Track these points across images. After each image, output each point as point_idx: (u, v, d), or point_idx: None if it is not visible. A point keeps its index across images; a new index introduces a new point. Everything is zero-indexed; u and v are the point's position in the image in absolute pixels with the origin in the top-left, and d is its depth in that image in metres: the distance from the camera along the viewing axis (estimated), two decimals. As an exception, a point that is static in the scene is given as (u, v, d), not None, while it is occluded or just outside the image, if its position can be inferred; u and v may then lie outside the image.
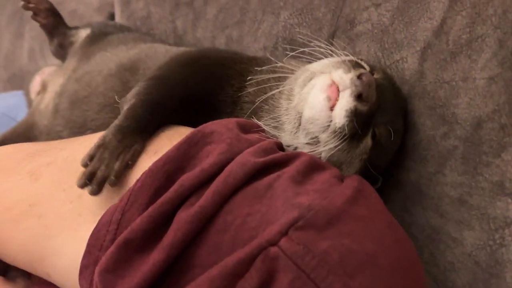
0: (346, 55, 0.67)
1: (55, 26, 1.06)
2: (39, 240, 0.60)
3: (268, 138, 0.62)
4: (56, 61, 1.17)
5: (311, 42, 0.73)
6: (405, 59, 0.72)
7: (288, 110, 0.66)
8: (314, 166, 0.56)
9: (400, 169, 0.72)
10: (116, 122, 0.63)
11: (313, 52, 0.71)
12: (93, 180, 0.58)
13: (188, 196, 0.52)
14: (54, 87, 0.95)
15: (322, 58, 0.69)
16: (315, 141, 0.63)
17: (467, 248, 0.63)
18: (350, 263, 0.45)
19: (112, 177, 0.58)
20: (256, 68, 0.72)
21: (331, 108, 0.61)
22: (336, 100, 0.61)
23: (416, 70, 0.70)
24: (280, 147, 0.62)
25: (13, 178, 0.65)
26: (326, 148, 0.62)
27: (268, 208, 0.49)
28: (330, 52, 0.68)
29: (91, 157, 0.59)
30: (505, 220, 0.59)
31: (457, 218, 0.64)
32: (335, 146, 0.61)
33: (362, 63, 0.67)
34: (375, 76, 0.65)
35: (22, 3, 1.01)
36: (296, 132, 0.64)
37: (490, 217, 0.61)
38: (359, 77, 0.61)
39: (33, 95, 1.15)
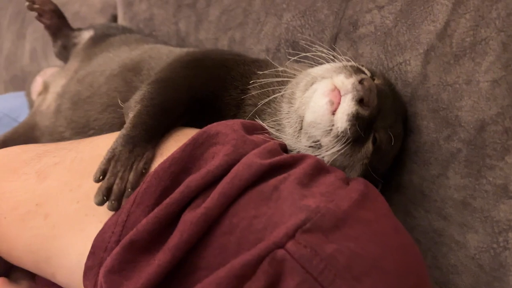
0: (348, 61, 0.68)
1: (59, 28, 1.06)
2: (45, 239, 0.60)
3: (272, 139, 0.62)
4: (58, 62, 1.17)
5: (313, 46, 0.73)
6: (408, 62, 0.72)
7: (289, 113, 0.66)
8: (320, 169, 0.56)
9: (403, 172, 0.72)
10: (124, 131, 0.62)
11: (315, 57, 0.71)
12: (110, 196, 0.57)
13: (194, 198, 0.52)
14: (56, 88, 0.95)
15: (324, 63, 0.69)
16: (317, 145, 0.63)
17: (471, 251, 0.63)
18: (356, 267, 0.46)
19: (129, 189, 0.57)
20: (259, 71, 0.73)
21: (333, 113, 0.62)
22: (338, 104, 0.62)
23: (419, 72, 0.71)
24: (284, 148, 0.62)
25: (21, 178, 0.65)
26: (329, 153, 0.62)
27: (274, 211, 0.49)
28: (332, 58, 0.69)
29: (103, 172, 0.58)
30: (508, 223, 0.59)
31: (460, 221, 0.64)
32: (338, 150, 0.61)
33: (363, 68, 0.67)
34: (376, 81, 0.66)
35: (27, 3, 1.01)
36: (298, 135, 0.65)
37: (493, 220, 0.61)
38: (360, 82, 0.62)
39: (34, 96, 1.15)
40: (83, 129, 0.83)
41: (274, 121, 0.67)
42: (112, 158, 0.60)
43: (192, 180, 0.53)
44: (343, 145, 0.61)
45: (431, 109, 0.68)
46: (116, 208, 0.56)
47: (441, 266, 0.67)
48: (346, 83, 0.62)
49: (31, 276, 0.71)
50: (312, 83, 0.65)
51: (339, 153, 0.62)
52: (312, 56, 0.71)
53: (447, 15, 0.69)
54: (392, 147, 0.67)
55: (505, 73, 0.61)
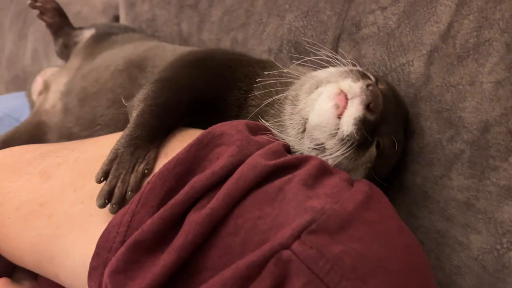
0: (354, 65, 0.68)
1: (61, 26, 1.06)
2: (48, 239, 0.60)
3: (276, 140, 0.62)
4: (60, 63, 1.17)
5: (317, 50, 0.73)
6: (411, 63, 0.72)
7: (292, 115, 0.67)
8: (324, 170, 0.56)
9: (406, 173, 0.72)
10: (127, 131, 0.62)
11: (318, 61, 0.71)
12: (112, 199, 0.57)
13: (199, 198, 0.52)
14: (58, 87, 0.95)
15: (327, 66, 0.69)
16: (321, 147, 0.63)
17: (474, 252, 0.63)
18: (362, 268, 0.46)
19: (130, 192, 0.57)
20: (263, 72, 0.73)
21: (339, 116, 0.62)
22: (345, 108, 0.62)
23: (422, 73, 0.71)
24: (287, 149, 0.62)
25: (24, 177, 0.65)
26: (333, 156, 0.62)
27: (279, 212, 0.49)
28: (337, 62, 0.69)
29: (105, 173, 0.59)
30: (512, 224, 0.59)
31: (463, 222, 0.64)
32: (342, 154, 0.62)
33: (368, 73, 0.68)
34: (380, 86, 0.66)
35: (29, 1, 1.01)
36: (301, 137, 0.65)
37: (497, 221, 0.61)
38: (367, 87, 0.62)
39: (34, 96, 1.15)
40: (91, 125, 0.84)
41: (277, 122, 0.67)
42: (114, 159, 0.60)
43: (197, 180, 0.53)
44: (347, 149, 0.61)
45: (434, 110, 0.68)
46: (116, 212, 0.56)
47: (444, 267, 0.67)
48: (354, 87, 0.62)
49: (34, 276, 0.71)
50: (317, 86, 0.65)
51: (343, 156, 0.62)
52: (316, 60, 0.71)
53: (450, 16, 0.69)
54: (395, 152, 0.67)
55: (509, 74, 0.61)
